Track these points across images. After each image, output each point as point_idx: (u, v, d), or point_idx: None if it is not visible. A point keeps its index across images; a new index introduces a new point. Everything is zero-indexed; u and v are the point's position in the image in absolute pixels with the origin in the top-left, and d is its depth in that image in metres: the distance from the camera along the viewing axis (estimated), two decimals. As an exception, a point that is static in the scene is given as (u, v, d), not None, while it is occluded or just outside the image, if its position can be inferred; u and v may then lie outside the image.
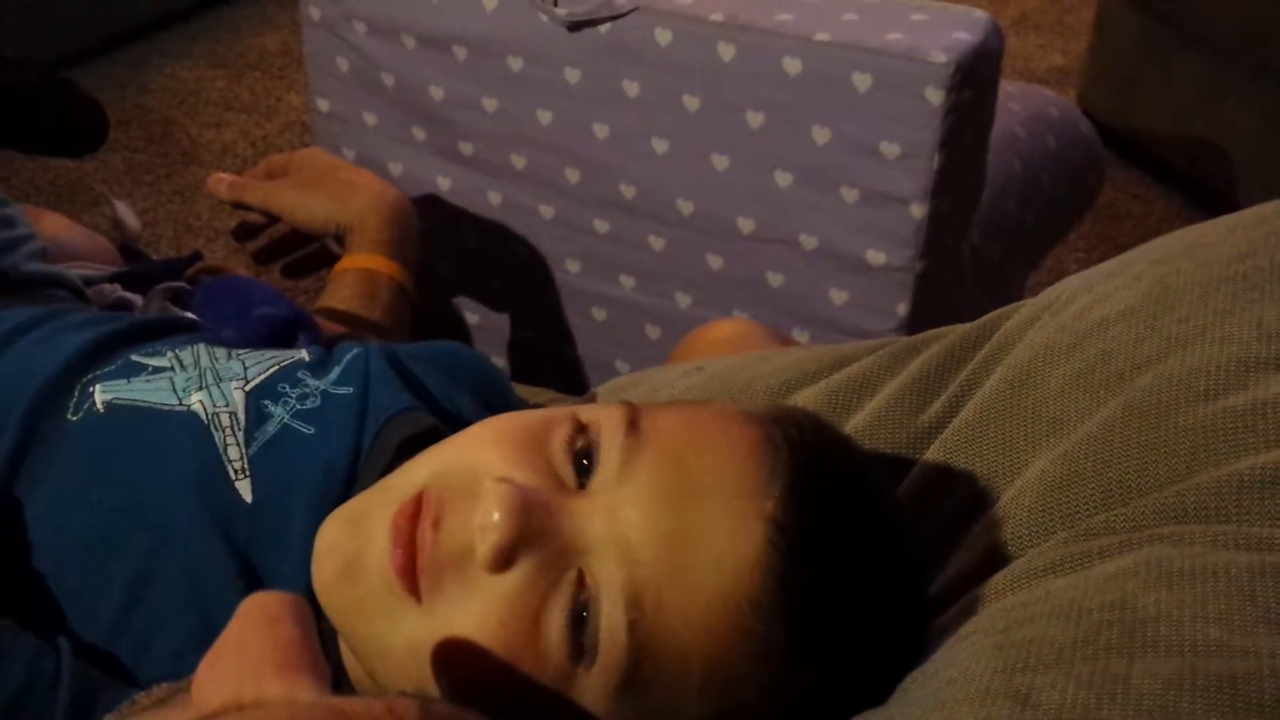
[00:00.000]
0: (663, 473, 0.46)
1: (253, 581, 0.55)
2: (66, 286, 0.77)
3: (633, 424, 0.48)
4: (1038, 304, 0.59)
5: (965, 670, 0.43)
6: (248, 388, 0.61)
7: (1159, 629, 0.40)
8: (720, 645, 0.44)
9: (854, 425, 0.58)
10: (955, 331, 0.61)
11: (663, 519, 0.45)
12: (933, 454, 0.56)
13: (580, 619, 0.45)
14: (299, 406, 0.61)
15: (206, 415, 0.59)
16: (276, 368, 0.63)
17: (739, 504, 0.45)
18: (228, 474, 0.57)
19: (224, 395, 0.60)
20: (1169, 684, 0.38)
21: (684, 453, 0.46)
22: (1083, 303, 0.56)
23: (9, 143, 1.19)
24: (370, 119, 1.14)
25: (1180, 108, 1.79)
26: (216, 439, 0.58)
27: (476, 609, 0.45)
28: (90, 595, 0.55)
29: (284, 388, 0.62)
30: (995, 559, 0.50)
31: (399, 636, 0.47)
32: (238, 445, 0.58)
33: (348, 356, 0.65)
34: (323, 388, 0.62)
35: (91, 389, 0.60)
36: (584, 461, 0.48)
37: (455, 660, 0.45)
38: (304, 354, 0.65)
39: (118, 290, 0.82)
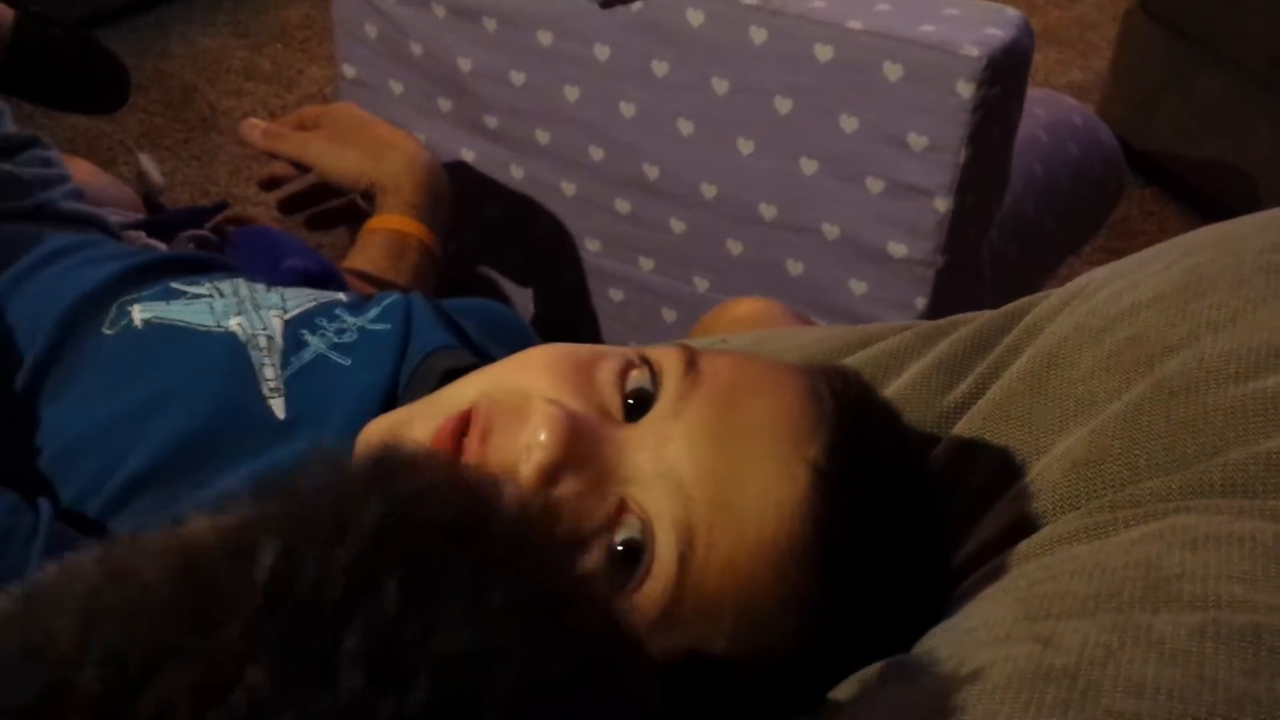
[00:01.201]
0: (715, 413, 0.46)
1: None
2: (100, 226, 0.77)
3: (691, 364, 0.48)
4: (1067, 291, 0.59)
5: (986, 619, 0.43)
6: (286, 317, 0.62)
7: (1183, 585, 0.40)
8: (757, 588, 0.45)
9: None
10: (982, 316, 0.62)
11: (713, 457, 0.45)
12: (958, 432, 0.56)
13: (618, 547, 0.45)
14: (336, 340, 0.61)
15: (244, 336, 0.60)
16: (315, 304, 0.64)
17: (784, 448, 0.46)
18: (261, 390, 0.58)
19: (262, 320, 0.61)
20: (1193, 632, 0.38)
21: (736, 395, 0.47)
22: (1113, 289, 0.56)
23: (31, 96, 1.19)
24: (396, 88, 1.14)
25: (1200, 127, 1.80)
26: (253, 357, 0.59)
27: None
28: (97, 479, 0.55)
29: (321, 321, 0.62)
30: (1019, 531, 0.50)
31: None
32: (273, 366, 0.59)
33: (388, 300, 0.66)
34: (360, 324, 0.63)
35: (130, 307, 0.61)
36: (630, 401, 0.48)
37: None
38: (341, 295, 0.66)
39: (143, 237, 0.82)
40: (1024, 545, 0.48)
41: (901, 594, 0.48)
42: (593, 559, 0.44)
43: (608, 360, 0.49)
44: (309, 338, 0.61)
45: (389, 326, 0.63)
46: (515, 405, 0.47)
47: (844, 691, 0.45)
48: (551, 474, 0.45)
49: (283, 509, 0.31)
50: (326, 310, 0.63)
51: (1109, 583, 0.42)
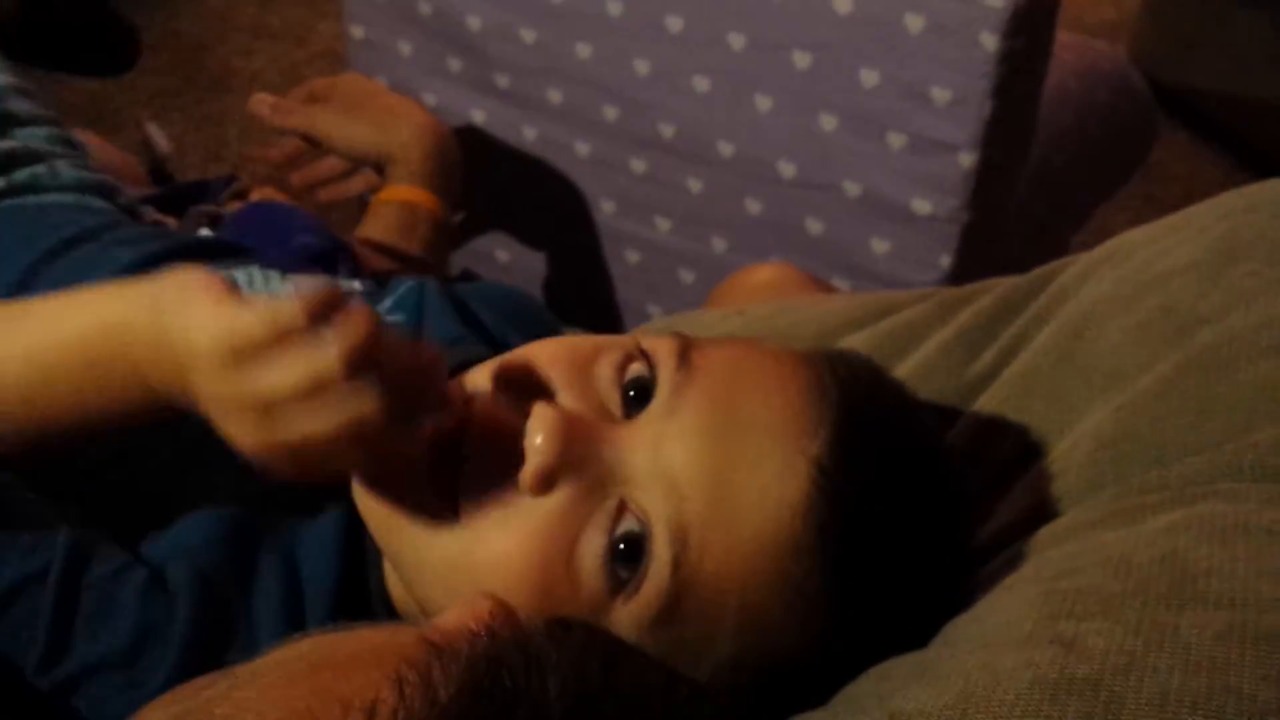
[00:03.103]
0: (712, 409, 0.45)
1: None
2: (106, 196, 0.76)
3: (684, 357, 0.47)
4: (1095, 257, 0.57)
5: (1009, 616, 0.42)
6: None
7: (1210, 582, 0.39)
8: (759, 587, 0.44)
9: (901, 374, 0.57)
10: (1006, 283, 0.60)
11: (709, 456, 0.44)
12: (982, 405, 0.55)
13: (619, 548, 0.44)
14: None
15: None
16: None
17: (785, 445, 0.44)
18: None
19: None
20: (1219, 636, 0.37)
21: (733, 389, 0.46)
22: (1144, 255, 0.54)
23: (41, 60, 1.17)
24: (405, 48, 1.12)
25: (1237, 67, 1.75)
26: None
27: (514, 529, 0.45)
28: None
29: None
30: (1044, 512, 0.49)
31: (436, 551, 0.47)
32: None
33: (402, 288, 0.66)
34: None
35: None
36: (630, 393, 0.47)
37: (490, 580, 0.45)
38: (356, 284, 0.65)
39: (151, 213, 0.81)
40: (1048, 530, 0.47)
41: (913, 589, 0.47)
42: (595, 555, 0.45)
43: (608, 353, 0.48)
44: None
45: (402, 318, 0.63)
46: (514, 405, 0.47)
47: (860, 686, 0.44)
48: (549, 477, 0.45)
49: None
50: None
51: (1134, 578, 0.41)
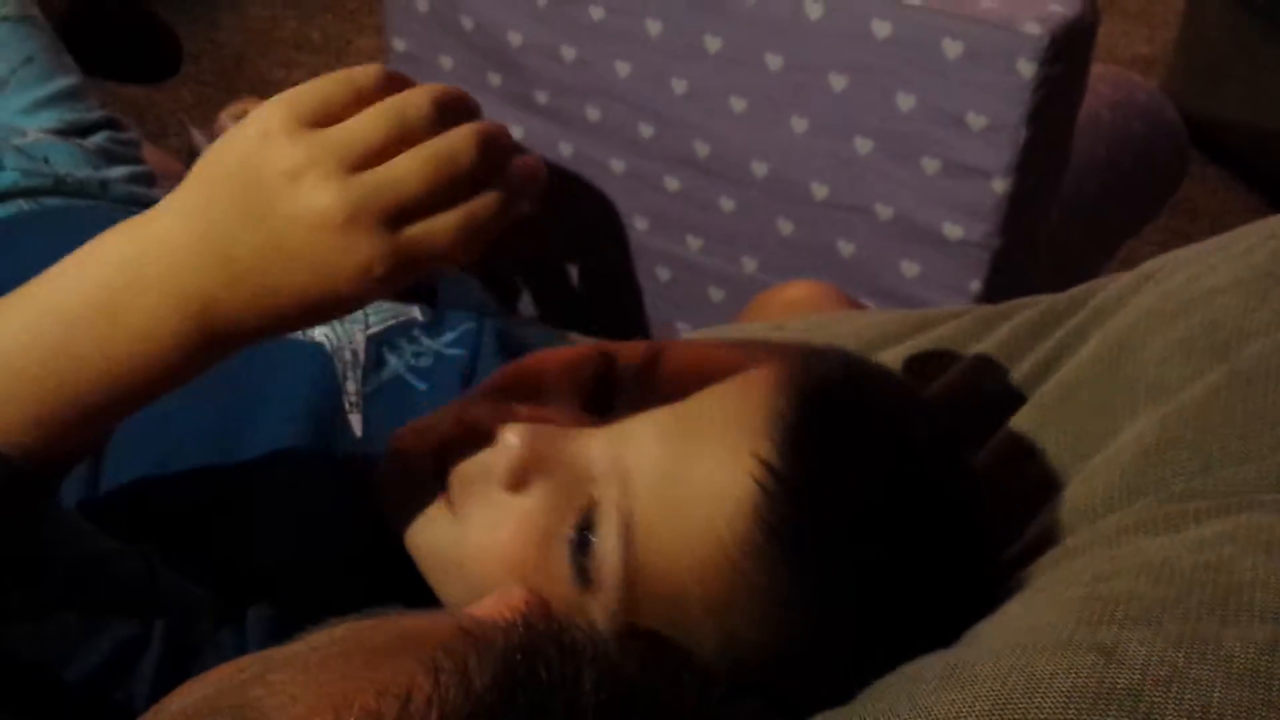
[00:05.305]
0: (670, 407, 0.47)
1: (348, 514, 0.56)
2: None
3: (651, 360, 0.49)
4: (1138, 274, 0.58)
5: (1046, 620, 0.42)
6: (368, 332, 0.64)
7: (1255, 594, 0.39)
8: (714, 583, 0.44)
9: (939, 388, 0.57)
10: (1045, 299, 0.60)
11: (661, 451, 0.46)
12: (1023, 414, 0.55)
13: (578, 540, 0.46)
14: (413, 362, 0.63)
15: (331, 347, 0.62)
16: (394, 320, 0.66)
17: (733, 440, 0.45)
18: (343, 403, 0.60)
19: (347, 333, 0.63)
20: (1262, 649, 0.37)
21: (695, 388, 0.47)
22: (1189, 272, 0.54)
23: (87, 66, 1.19)
24: (446, 62, 1.13)
25: (1268, 102, 1.74)
26: (338, 369, 0.61)
27: (496, 524, 0.48)
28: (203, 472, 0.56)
29: (401, 342, 0.64)
30: (1085, 516, 0.49)
31: (428, 538, 0.50)
32: (355, 381, 0.61)
33: (462, 326, 0.68)
34: (436, 348, 0.65)
35: None
36: (605, 395, 0.49)
37: (479, 572, 0.48)
38: (415, 312, 0.67)
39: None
40: (1088, 532, 0.47)
41: (916, 589, 0.46)
42: (562, 548, 0.46)
43: (588, 359, 0.50)
44: (389, 356, 0.63)
45: (463, 353, 0.65)
46: (504, 409, 0.49)
47: (888, 685, 0.43)
48: (519, 475, 0.47)
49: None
50: (405, 330, 0.65)
51: (1177, 586, 0.40)
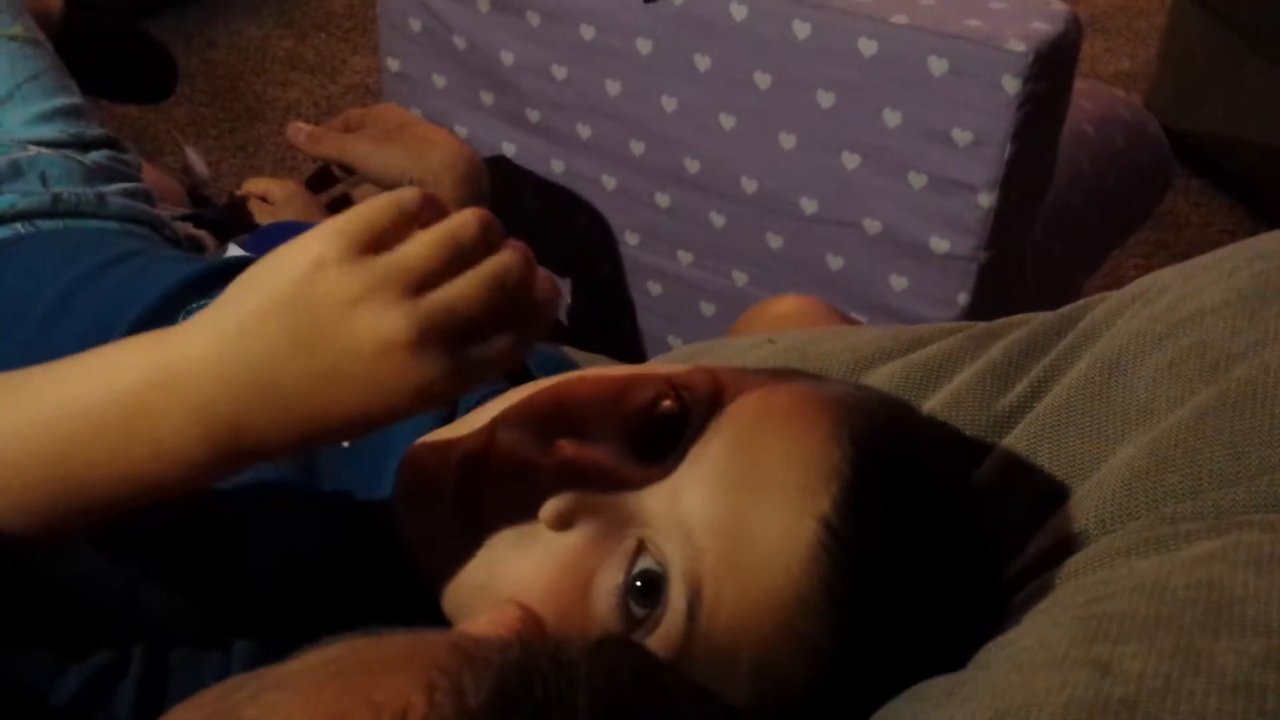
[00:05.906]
0: (731, 458, 0.46)
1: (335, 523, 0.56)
2: (155, 227, 0.78)
3: (715, 398, 0.47)
4: (1126, 294, 0.58)
5: (1043, 639, 0.42)
6: None
7: (1246, 610, 0.40)
8: (770, 642, 0.44)
9: (931, 407, 0.58)
10: (1037, 319, 0.61)
11: (724, 508, 0.45)
12: (1013, 439, 0.55)
13: (635, 585, 0.45)
14: None
15: None
16: None
17: (795, 501, 0.44)
18: None
19: None
20: (1255, 661, 0.37)
21: (754, 438, 0.46)
22: (1176, 294, 0.55)
23: (81, 85, 1.20)
24: (439, 81, 1.15)
25: (1248, 117, 1.77)
26: None
27: (534, 558, 0.46)
28: None
29: None
30: (1077, 540, 0.49)
31: (449, 558, 0.48)
32: None
33: None
34: None
35: (196, 311, 0.61)
36: (658, 432, 0.47)
37: (500, 599, 0.46)
38: None
39: (190, 228, 0.83)
40: (1082, 556, 0.48)
41: (938, 631, 0.47)
42: (610, 591, 0.45)
43: (638, 390, 0.48)
44: None
45: None
46: (542, 439, 0.47)
47: (894, 707, 0.45)
48: (567, 519, 0.46)
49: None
50: None
51: (1170, 604, 0.41)
